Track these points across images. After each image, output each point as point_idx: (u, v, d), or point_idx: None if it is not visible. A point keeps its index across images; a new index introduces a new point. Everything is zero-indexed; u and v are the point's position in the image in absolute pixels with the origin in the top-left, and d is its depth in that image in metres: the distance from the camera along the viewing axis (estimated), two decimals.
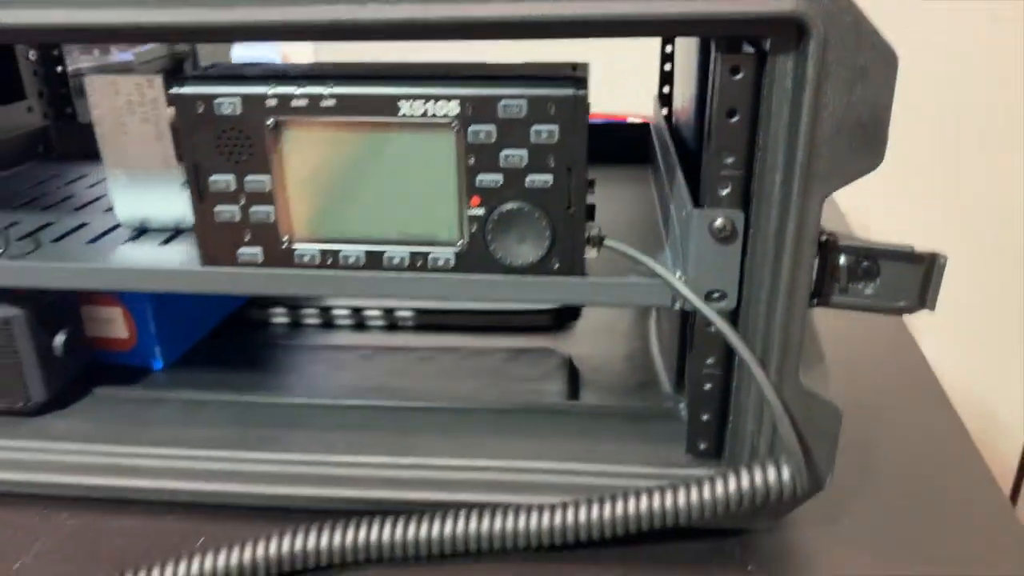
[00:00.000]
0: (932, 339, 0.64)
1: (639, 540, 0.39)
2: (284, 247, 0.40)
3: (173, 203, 0.48)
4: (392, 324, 0.63)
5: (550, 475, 0.43)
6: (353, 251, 0.40)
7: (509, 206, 0.38)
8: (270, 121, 0.37)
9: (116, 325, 0.53)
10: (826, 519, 0.44)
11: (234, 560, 0.38)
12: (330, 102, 0.37)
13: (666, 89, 0.64)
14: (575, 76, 0.37)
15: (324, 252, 0.40)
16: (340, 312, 0.63)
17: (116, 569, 0.40)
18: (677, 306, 0.39)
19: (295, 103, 0.37)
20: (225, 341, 0.59)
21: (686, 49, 0.50)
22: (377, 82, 0.37)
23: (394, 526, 0.39)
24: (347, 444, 0.45)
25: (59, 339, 0.48)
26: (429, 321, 0.63)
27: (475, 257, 0.39)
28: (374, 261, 0.40)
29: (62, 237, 0.49)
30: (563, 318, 0.62)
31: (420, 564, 0.40)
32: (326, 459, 0.44)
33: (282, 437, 0.46)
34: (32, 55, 0.69)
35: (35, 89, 0.69)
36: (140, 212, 0.49)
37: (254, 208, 0.39)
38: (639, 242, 0.40)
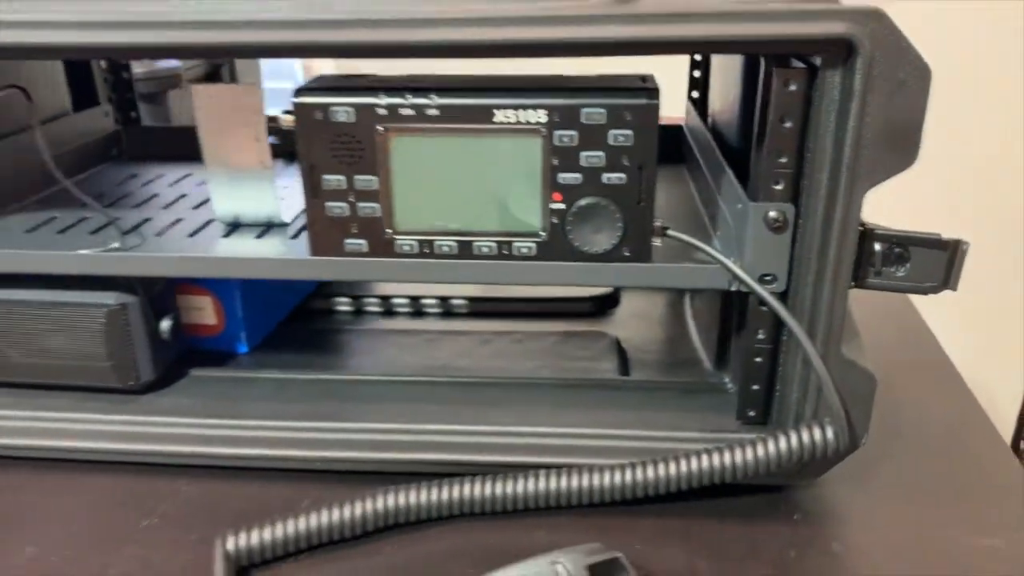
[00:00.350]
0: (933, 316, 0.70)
1: (692, 497, 0.45)
2: (386, 239, 0.45)
3: (266, 201, 0.53)
4: (446, 311, 0.68)
5: (614, 440, 0.48)
6: (446, 242, 0.45)
7: (587, 201, 0.43)
8: (380, 127, 0.43)
9: (206, 312, 0.58)
10: (854, 477, 0.49)
11: (347, 515, 0.43)
12: (434, 111, 0.42)
13: (694, 93, 0.70)
14: (647, 87, 0.42)
15: (421, 242, 0.45)
16: (398, 301, 0.68)
17: (235, 527, 0.45)
18: (733, 288, 0.44)
19: (403, 111, 0.42)
20: (297, 327, 0.65)
21: (725, 61, 0.56)
22: (475, 93, 0.42)
23: (484, 484, 0.45)
24: (428, 414, 0.50)
25: (165, 324, 0.53)
26: (480, 309, 0.68)
27: (555, 246, 0.44)
28: (465, 250, 0.45)
29: (163, 231, 0.54)
30: (604, 305, 0.68)
31: (506, 517, 0.46)
32: (411, 427, 0.49)
33: (368, 410, 0.51)
34: (103, 63, 0.74)
35: (106, 95, 0.74)
36: (235, 209, 0.54)
37: (361, 204, 0.44)
38: (688, 232, 0.45)
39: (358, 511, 0.44)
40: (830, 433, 0.43)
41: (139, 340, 0.51)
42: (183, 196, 0.61)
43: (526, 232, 0.44)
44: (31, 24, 0.40)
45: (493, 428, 0.49)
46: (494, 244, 0.45)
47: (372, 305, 0.69)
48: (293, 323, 0.65)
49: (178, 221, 0.56)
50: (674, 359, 0.60)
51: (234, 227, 0.54)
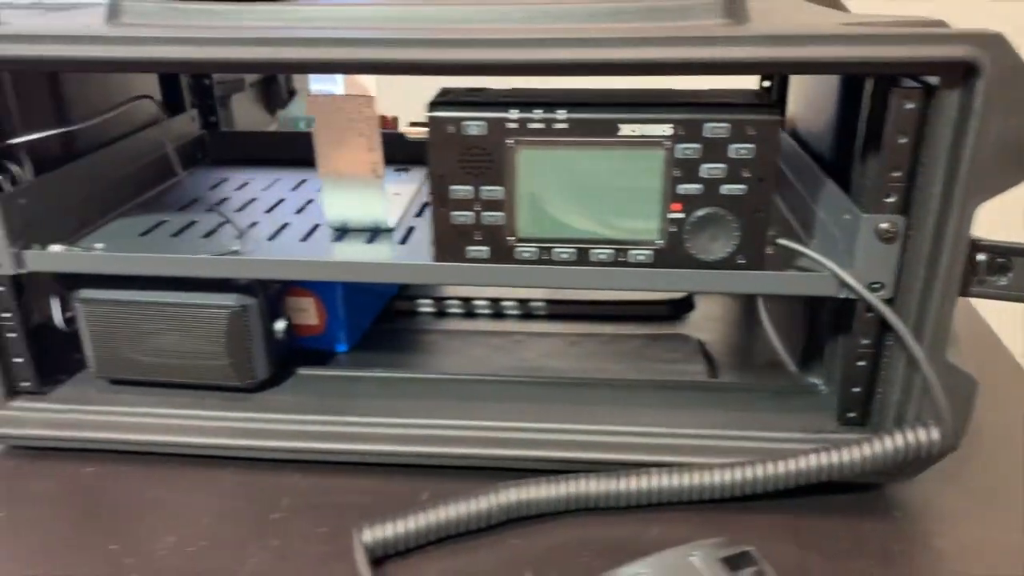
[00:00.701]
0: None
1: (797, 495, 0.47)
2: (507, 246, 0.47)
3: (375, 207, 0.55)
4: (525, 314, 0.70)
5: (717, 440, 0.50)
6: (565, 249, 0.47)
7: (705, 211, 0.45)
8: (510, 140, 0.45)
9: (309, 313, 0.60)
10: (943, 476, 0.51)
11: (476, 508, 0.45)
12: (562, 124, 0.44)
13: None
14: (769, 103, 0.44)
15: (540, 249, 0.47)
16: (479, 303, 0.71)
17: (357, 521, 0.47)
18: (842, 295, 0.46)
19: (532, 125, 0.44)
20: (386, 328, 0.67)
21: (816, 78, 0.58)
22: (601, 108, 0.44)
23: (606, 481, 0.47)
24: (533, 413, 0.53)
25: (280, 324, 0.55)
26: (557, 311, 0.70)
27: (671, 254, 0.46)
28: (582, 257, 0.47)
29: (274, 236, 0.56)
30: (680, 308, 0.70)
31: (618, 513, 0.48)
32: (518, 425, 0.52)
33: (474, 408, 0.53)
34: None
35: (190, 101, 0.76)
36: (345, 214, 0.56)
37: (486, 214, 0.47)
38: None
39: (484, 505, 0.46)
40: (935, 434, 0.45)
41: (256, 340, 0.53)
42: (282, 200, 0.64)
43: (643, 240, 0.47)
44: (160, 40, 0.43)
45: (600, 427, 0.51)
46: (611, 251, 0.47)
47: (453, 307, 0.71)
48: (382, 324, 0.67)
49: (286, 225, 0.58)
50: (757, 361, 0.62)
51: (342, 232, 0.56)
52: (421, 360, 0.62)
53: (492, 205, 0.46)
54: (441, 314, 0.70)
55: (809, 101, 0.61)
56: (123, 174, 0.62)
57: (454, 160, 0.46)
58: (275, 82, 1.11)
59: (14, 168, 0.51)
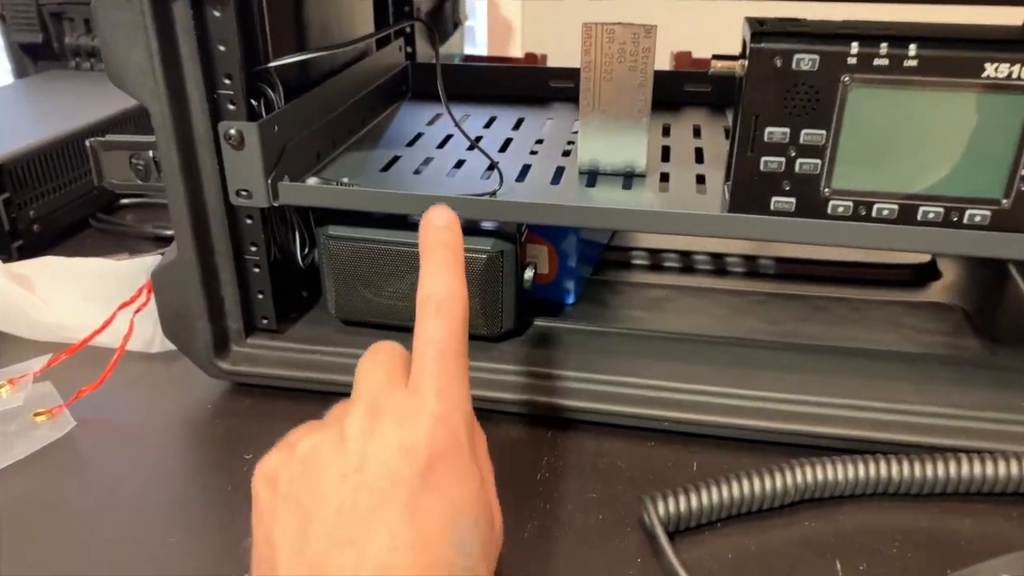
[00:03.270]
0: None
1: None
2: (821, 198, 0.42)
3: (636, 150, 0.51)
4: (751, 271, 0.65)
5: (1016, 426, 0.45)
6: (887, 205, 0.42)
7: None
8: (846, 78, 0.39)
9: (540, 262, 0.56)
10: None
11: (772, 486, 0.41)
12: (912, 62, 0.38)
13: None
14: None
15: (857, 204, 0.42)
16: (699, 257, 0.66)
17: (626, 486, 0.44)
18: None
19: (876, 62, 0.39)
20: (601, 280, 0.62)
21: None
22: (962, 44, 0.38)
23: (910, 464, 0.42)
24: (813, 385, 0.48)
25: (529, 273, 0.51)
26: (787, 271, 0.65)
27: (1016, 216, 0.41)
28: (907, 215, 0.42)
29: (521, 177, 0.52)
30: (925, 274, 0.64)
31: (916, 500, 0.43)
32: (800, 398, 0.47)
33: (741, 375, 0.49)
34: None
35: (394, 30, 0.72)
36: (599, 156, 0.51)
37: (801, 160, 0.41)
38: None
39: (780, 483, 0.42)
40: None
41: (508, 288, 0.50)
42: (510, 140, 0.59)
43: (984, 199, 0.41)
44: None
45: (893, 406, 0.46)
46: (941, 210, 0.41)
47: (669, 260, 0.66)
48: (597, 276, 0.63)
49: (527, 167, 0.53)
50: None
51: (592, 175, 0.52)
52: (656, 317, 0.57)
53: (810, 151, 0.41)
54: (655, 267, 0.66)
55: None
56: (350, 104, 0.58)
57: (776, 98, 0.40)
58: (442, 11, 1.06)
59: (269, 93, 0.48)
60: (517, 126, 0.63)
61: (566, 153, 0.56)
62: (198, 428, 0.50)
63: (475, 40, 1.65)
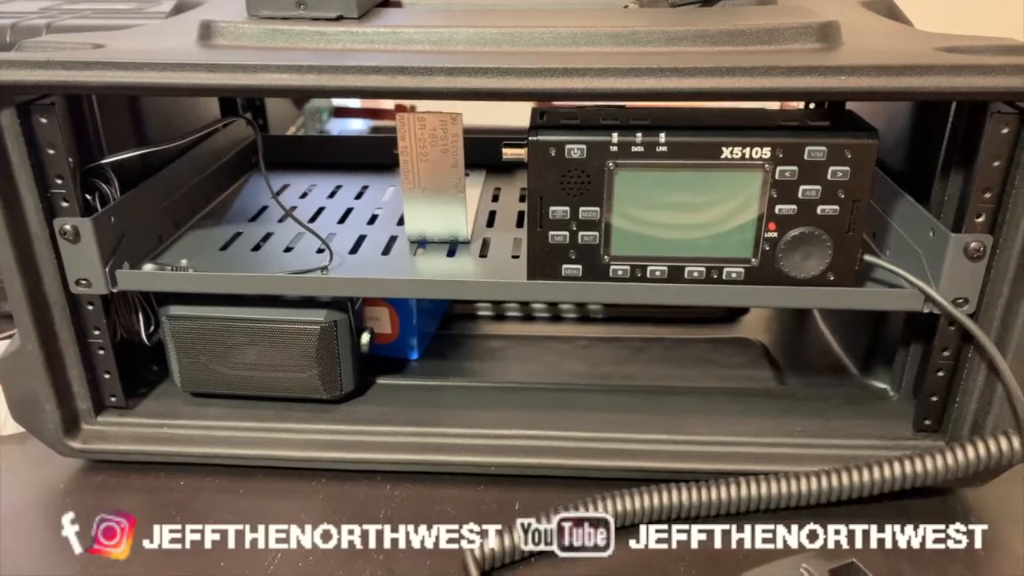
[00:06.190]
0: None
1: (872, 500, 0.49)
2: (603, 264, 0.48)
3: (456, 221, 0.56)
4: (583, 316, 0.71)
5: (797, 448, 0.52)
6: (659, 267, 0.48)
7: (800, 230, 0.46)
8: (610, 163, 0.46)
9: (382, 322, 0.61)
10: (1011, 478, 0.53)
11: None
12: (663, 148, 0.45)
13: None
14: (866, 126, 0.45)
15: (634, 267, 0.48)
16: (537, 305, 0.72)
17: (454, 528, 0.48)
18: (926, 310, 0.48)
19: (634, 148, 0.45)
20: (448, 333, 0.68)
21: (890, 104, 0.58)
22: (703, 132, 0.45)
23: (703, 490, 0.48)
24: (619, 423, 0.54)
25: (366, 337, 0.56)
26: (614, 314, 0.71)
27: (764, 271, 0.48)
28: (676, 275, 0.48)
29: (355, 249, 0.56)
30: (735, 311, 0.71)
31: (708, 522, 0.49)
32: (606, 435, 0.53)
33: (560, 418, 0.55)
34: None
35: (241, 105, 0.76)
36: (425, 227, 0.56)
37: (583, 233, 0.47)
38: None
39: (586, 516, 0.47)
40: (1017, 443, 0.47)
41: (345, 354, 0.54)
42: (350, 210, 0.64)
43: (737, 258, 0.48)
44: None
45: (686, 438, 0.53)
46: (704, 269, 0.48)
47: (511, 310, 0.72)
48: (443, 329, 0.68)
49: (363, 238, 0.58)
50: (820, 365, 0.63)
51: (420, 244, 0.57)
52: (492, 367, 0.63)
53: (589, 225, 0.47)
54: (499, 317, 0.71)
55: (875, 114, 0.62)
56: (192, 184, 0.62)
57: (553, 181, 0.46)
58: None
59: (103, 187, 0.51)
60: (360, 195, 0.67)
61: (401, 222, 0.61)
62: (48, 507, 0.52)
63: None
